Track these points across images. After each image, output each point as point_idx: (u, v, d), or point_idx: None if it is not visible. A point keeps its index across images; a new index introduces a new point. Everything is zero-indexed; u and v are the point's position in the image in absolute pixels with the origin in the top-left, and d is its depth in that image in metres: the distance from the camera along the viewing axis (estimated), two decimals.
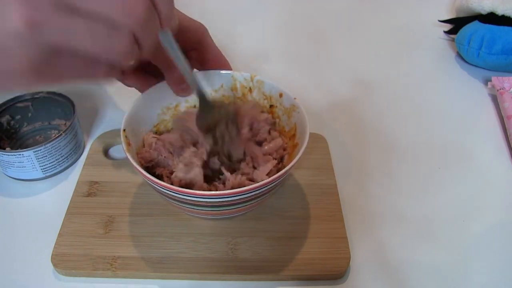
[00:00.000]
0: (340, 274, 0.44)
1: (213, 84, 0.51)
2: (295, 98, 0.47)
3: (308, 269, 0.44)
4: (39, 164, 0.51)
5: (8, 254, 0.46)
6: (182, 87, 0.47)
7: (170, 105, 0.51)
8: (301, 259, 0.45)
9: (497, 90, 0.64)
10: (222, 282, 0.44)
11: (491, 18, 0.68)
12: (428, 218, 0.50)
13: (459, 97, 0.67)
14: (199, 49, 0.49)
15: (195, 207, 0.41)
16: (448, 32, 0.78)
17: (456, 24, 0.75)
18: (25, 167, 0.51)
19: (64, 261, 0.44)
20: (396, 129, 0.61)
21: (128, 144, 0.44)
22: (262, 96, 0.50)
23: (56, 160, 0.53)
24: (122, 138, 0.43)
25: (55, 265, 0.44)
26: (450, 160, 0.57)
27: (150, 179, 0.39)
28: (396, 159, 0.57)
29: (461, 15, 0.75)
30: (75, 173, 0.54)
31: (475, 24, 0.70)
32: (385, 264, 0.46)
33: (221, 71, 0.50)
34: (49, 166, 0.52)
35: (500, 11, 0.67)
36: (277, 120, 0.50)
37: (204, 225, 0.47)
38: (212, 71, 0.50)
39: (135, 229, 0.47)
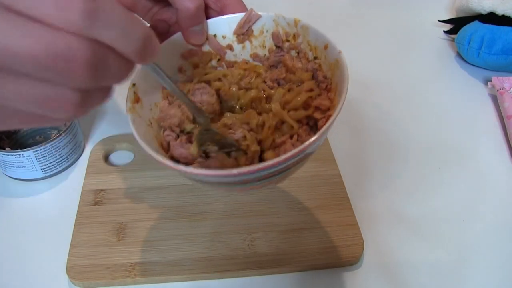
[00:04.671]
0: (356, 259, 0.45)
1: (254, 29, 0.45)
2: (340, 52, 0.40)
3: (325, 257, 0.45)
4: (39, 164, 0.51)
5: (8, 254, 0.46)
6: (194, 30, 0.41)
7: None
8: (318, 249, 0.46)
9: (497, 90, 0.64)
10: (242, 278, 0.44)
11: (491, 18, 0.68)
12: (428, 218, 0.50)
13: (459, 97, 0.67)
14: None
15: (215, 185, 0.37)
16: (448, 32, 0.78)
17: (456, 24, 0.75)
18: (25, 167, 0.51)
19: (81, 272, 0.44)
20: (396, 129, 0.61)
21: (136, 101, 0.38)
22: (307, 46, 0.44)
23: (56, 160, 0.53)
24: (129, 95, 0.38)
25: (72, 277, 0.43)
26: (450, 160, 0.57)
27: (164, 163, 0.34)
28: (396, 159, 0.57)
29: (461, 15, 0.75)
30: (75, 173, 0.54)
31: (475, 24, 0.70)
32: (384, 264, 0.46)
33: (262, 13, 0.44)
34: (49, 166, 0.52)
35: (500, 11, 0.67)
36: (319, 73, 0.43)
37: (217, 224, 0.48)
38: (253, 14, 0.44)
39: (148, 233, 0.47)
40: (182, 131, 0.42)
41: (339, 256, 0.45)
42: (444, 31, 0.79)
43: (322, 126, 0.38)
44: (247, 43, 0.46)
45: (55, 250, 0.46)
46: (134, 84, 0.39)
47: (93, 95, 0.25)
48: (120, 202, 0.50)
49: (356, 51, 0.76)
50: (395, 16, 0.84)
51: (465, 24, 0.72)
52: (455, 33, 0.74)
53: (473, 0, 0.69)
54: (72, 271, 0.44)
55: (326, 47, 0.42)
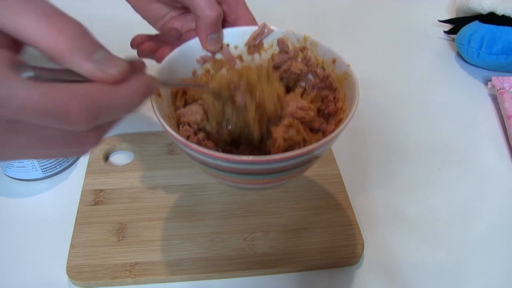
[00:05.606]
0: (356, 259, 0.45)
1: (264, 42, 0.47)
2: (348, 65, 0.42)
3: (326, 257, 0.45)
4: (39, 164, 0.51)
5: (8, 254, 0.46)
6: (211, 37, 0.44)
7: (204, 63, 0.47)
8: (318, 248, 0.46)
9: (497, 90, 0.65)
10: (242, 278, 0.44)
11: (491, 18, 0.68)
12: (428, 218, 0.50)
13: (459, 97, 0.67)
14: (229, 3, 0.46)
15: (226, 173, 0.38)
16: (448, 32, 0.78)
17: (456, 24, 0.75)
18: (25, 167, 0.51)
19: (81, 272, 0.43)
20: (396, 129, 0.61)
21: (158, 95, 0.41)
22: (315, 59, 0.46)
23: (56, 160, 0.53)
24: None
25: (72, 277, 0.43)
26: (450, 160, 0.57)
27: (184, 142, 0.35)
28: (396, 159, 0.57)
29: (461, 15, 0.75)
30: (75, 173, 0.54)
31: (475, 24, 0.70)
32: (384, 264, 0.46)
33: (274, 28, 0.47)
34: (49, 166, 0.52)
35: (500, 11, 0.67)
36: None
37: (218, 224, 0.48)
38: (266, 27, 0.47)
39: (148, 234, 0.47)
40: (199, 129, 0.43)
41: (339, 256, 0.45)
42: (444, 31, 0.79)
43: (331, 131, 0.41)
44: (256, 55, 0.48)
45: (55, 250, 0.46)
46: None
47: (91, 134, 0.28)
48: (120, 202, 0.50)
49: (356, 51, 0.77)
50: (395, 16, 0.84)
51: (465, 24, 0.72)
52: (455, 33, 0.74)
53: (473, 0, 0.69)
54: (72, 271, 0.44)
55: (334, 61, 0.44)
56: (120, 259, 0.45)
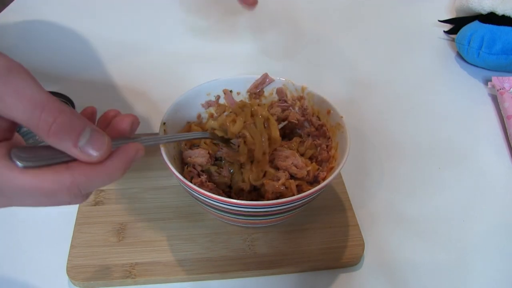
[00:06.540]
0: (356, 260, 0.45)
1: (265, 90, 0.52)
2: (341, 117, 0.46)
3: (326, 258, 0.45)
4: None
5: (8, 254, 0.46)
6: None
7: (209, 107, 0.52)
8: (318, 249, 0.46)
9: (497, 90, 0.65)
10: (243, 279, 0.45)
11: (491, 18, 0.68)
12: (428, 218, 0.50)
13: (459, 97, 0.67)
14: None
15: (229, 215, 0.42)
16: (448, 32, 0.78)
17: (456, 24, 0.75)
18: None
19: (81, 273, 0.43)
20: (396, 129, 0.61)
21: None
22: (311, 110, 0.50)
23: None
24: (160, 132, 0.44)
25: (72, 277, 0.43)
26: (450, 160, 0.57)
27: (188, 184, 0.40)
28: (396, 159, 0.57)
29: (461, 15, 0.75)
30: None
31: (475, 24, 0.70)
32: (384, 264, 0.46)
33: (275, 78, 0.51)
34: None
35: (500, 11, 0.67)
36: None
37: (218, 225, 0.48)
38: (267, 77, 0.51)
39: (149, 234, 0.47)
40: (203, 171, 0.47)
41: (340, 257, 0.45)
42: (444, 31, 0.79)
43: (323, 178, 0.46)
44: (257, 101, 0.52)
45: (55, 250, 0.46)
46: (164, 123, 0.45)
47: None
48: (121, 202, 0.50)
49: (356, 51, 0.77)
50: (395, 16, 0.84)
51: (465, 24, 0.72)
52: (455, 33, 0.74)
53: (473, 0, 0.69)
54: (73, 271, 0.44)
55: (328, 112, 0.48)
56: (120, 259, 0.45)
